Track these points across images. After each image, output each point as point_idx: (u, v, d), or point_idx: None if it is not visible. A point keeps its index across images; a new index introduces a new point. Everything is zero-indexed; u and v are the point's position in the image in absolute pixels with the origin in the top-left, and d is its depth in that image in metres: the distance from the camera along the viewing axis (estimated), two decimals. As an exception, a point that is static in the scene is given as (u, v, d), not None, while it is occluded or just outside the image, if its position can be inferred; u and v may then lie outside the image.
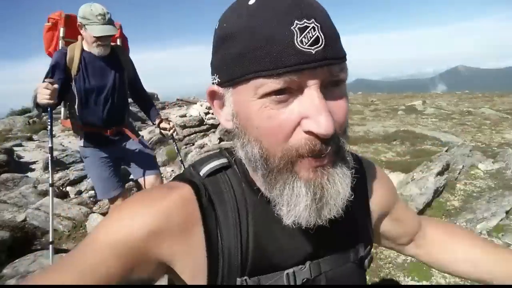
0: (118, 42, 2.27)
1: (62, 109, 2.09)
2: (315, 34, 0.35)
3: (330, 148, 0.38)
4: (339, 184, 0.40)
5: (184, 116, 7.41)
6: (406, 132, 5.84)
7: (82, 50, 1.89)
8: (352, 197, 0.44)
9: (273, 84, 0.36)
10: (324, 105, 0.36)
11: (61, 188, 3.97)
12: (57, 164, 4.66)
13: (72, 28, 1.98)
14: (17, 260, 2.33)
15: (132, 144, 2.11)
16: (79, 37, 1.92)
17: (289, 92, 0.37)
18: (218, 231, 0.44)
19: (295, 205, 0.39)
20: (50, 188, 2.14)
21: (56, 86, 1.67)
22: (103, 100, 1.94)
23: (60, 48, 2.00)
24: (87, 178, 4.06)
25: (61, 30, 2.04)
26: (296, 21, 0.35)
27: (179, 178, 0.49)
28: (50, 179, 2.12)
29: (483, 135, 6.10)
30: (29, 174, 4.77)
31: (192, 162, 0.51)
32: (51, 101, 1.65)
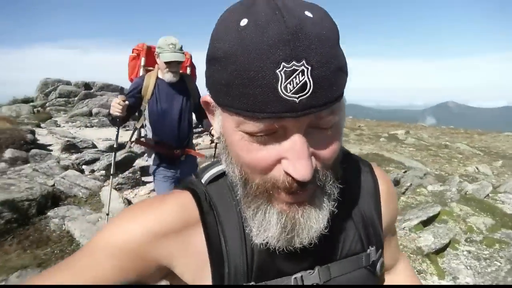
0: (188, 70, 2.58)
1: (135, 132, 2.39)
2: (303, 79, 0.32)
3: (307, 187, 0.37)
4: (314, 220, 0.40)
5: None
6: (376, 155, 6.69)
7: (157, 77, 2.22)
8: (368, 201, 0.48)
9: (252, 126, 0.35)
10: (304, 151, 0.35)
11: (78, 166, 5.04)
12: (73, 148, 6.03)
13: (152, 58, 2.32)
14: (55, 208, 3.36)
15: (192, 167, 2.43)
16: (156, 66, 2.26)
17: (270, 134, 0.36)
18: (222, 235, 0.44)
19: (265, 230, 0.40)
20: (111, 177, 2.64)
21: (126, 103, 2.02)
22: (171, 123, 2.22)
23: (140, 74, 2.38)
24: (100, 160, 5.21)
25: (142, 59, 2.43)
26: (283, 63, 0.31)
27: (180, 186, 0.50)
28: (112, 169, 2.59)
29: (450, 166, 6.93)
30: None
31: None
32: (120, 114, 2.00)
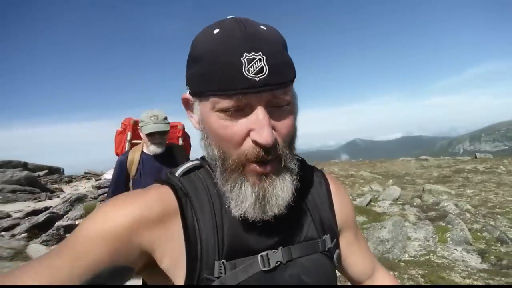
0: (180, 141, 2.49)
1: None
2: (260, 65, 0.44)
3: (272, 156, 0.47)
4: (279, 188, 0.49)
5: (100, 179, 10.60)
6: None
7: (142, 152, 2.12)
8: (320, 195, 0.61)
9: (225, 102, 0.45)
10: (266, 121, 0.45)
11: None
12: None
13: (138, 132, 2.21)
14: None
15: None
16: (142, 140, 2.15)
17: (240, 109, 0.46)
18: (195, 219, 0.51)
19: (242, 201, 0.48)
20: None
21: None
22: None
23: (126, 150, 2.32)
24: (20, 224, 5.33)
25: (129, 134, 2.40)
26: (245, 53, 0.44)
27: (158, 181, 0.56)
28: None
29: (352, 189, 8.64)
30: None
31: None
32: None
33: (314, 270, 0.56)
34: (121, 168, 2.12)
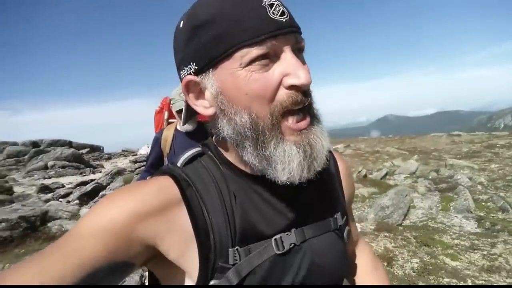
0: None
1: None
2: (281, 8, 0.46)
3: (308, 100, 0.47)
4: (322, 139, 0.49)
5: (135, 155, 13.02)
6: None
7: (175, 129, 2.17)
8: (331, 173, 0.61)
9: (257, 50, 0.44)
10: (299, 61, 0.46)
11: (56, 199, 6.57)
12: (47, 189, 7.61)
13: None
14: (51, 221, 4.75)
15: None
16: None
17: (269, 58, 0.45)
18: (204, 209, 0.49)
19: (289, 162, 0.47)
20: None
21: None
22: None
23: (164, 127, 2.36)
24: (72, 193, 6.86)
25: (166, 113, 2.52)
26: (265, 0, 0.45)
27: (157, 172, 0.54)
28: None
29: (373, 164, 8.92)
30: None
31: None
32: None
33: (326, 249, 0.56)
34: (157, 145, 2.22)
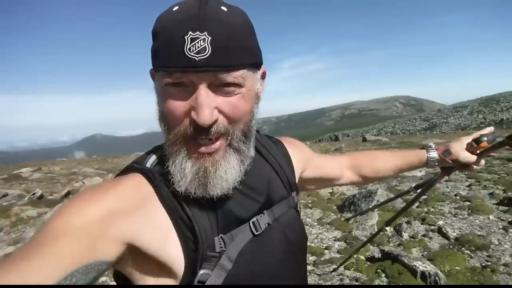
0: None
1: None
2: (203, 45, 0.46)
3: (213, 136, 0.50)
4: (223, 170, 0.52)
5: None
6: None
7: None
8: (281, 159, 0.71)
9: (168, 78, 0.49)
10: (205, 101, 0.48)
11: None
12: None
13: None
14: None
15: None
16: None
17: (184, 86, 0.49)
18: (182, 203, 0.53)
19: (182, 177, 0.52)
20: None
21: None
22: None
23: None
24: None
25: None
26: (190, 32, 0.46)
27: (127, 171, 0.57)
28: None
29: (62, 186, 8.63)
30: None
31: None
32: None
33: (292, 223, 0.67)
34: None
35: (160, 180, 0.55)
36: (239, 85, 0.52)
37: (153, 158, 0.60)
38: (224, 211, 0.57)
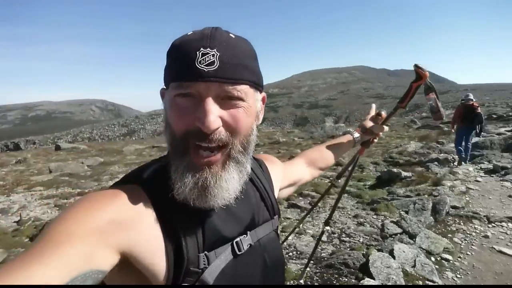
0: None
1: None
2: (212, 59, 0.55)
3: (215, 144, 0.57)
4: (224, 180, 0.59)
5: None
6: None
7: None
8: (265, 182, 0.80)
9: (179, 89, 0.57)
10: (210, 109, 0.55)
11: None
12: None
13: None
14: None
15: None
16: None
17: (192, 96, 0.57)
18: (173, 218, 0.59)
19: (182, 185, 0.57)
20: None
21: None
22: None
23: None
24: None
25: None
26: (202, 48, 0.55)
27: (126, 181, 0.63)
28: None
29: None
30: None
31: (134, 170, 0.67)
32: None
33: (271, 246, 0.73)
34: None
35: (158, 192, 0.60)
36: (242, 99, 0.59)
37: (153, 169, 0.65)
38: (211, 228, 0.62)
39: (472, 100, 7.16)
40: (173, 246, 0.57)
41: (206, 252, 0.60)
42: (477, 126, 7.03)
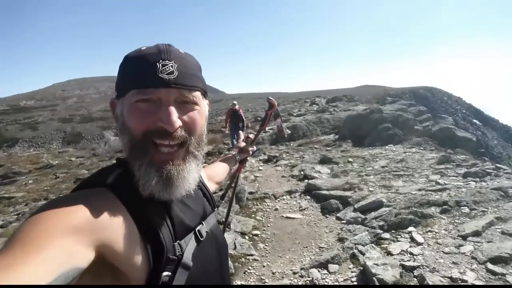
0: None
1: None
2: (172, 69, 0.66)
3: (176, 140, 0.67)
4: (186, 171, 0.69)
5: None
6: None
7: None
8: (203, 180, 0.95)
9: (140, 95, 0.66)
10: (173, 111, 0.66)
11: None
12: None
13: None
14: None
15: None
16: None
17: (152, 102, 0.66)
18: (144, 213, 0.65)
19: (147, 180, 0.65)
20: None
21: None
22: None
23: None
24: None
25: None
26: (161, 60, 0.67)
27: (90, 185, 0.66)
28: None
29: None
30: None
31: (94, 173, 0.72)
32: None
33: (219, 233, 0.89)
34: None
35: (125, 192, 0.65)
36: (196, 103, 0.72)
37: (115, 172, 0.69)
38: (177, 219, 0.72)
39: (236, 105, 9.88)
40: (150, 239, 0.63)
41: (178, 241, 0.68)
42: (240, 124, 9.73)
